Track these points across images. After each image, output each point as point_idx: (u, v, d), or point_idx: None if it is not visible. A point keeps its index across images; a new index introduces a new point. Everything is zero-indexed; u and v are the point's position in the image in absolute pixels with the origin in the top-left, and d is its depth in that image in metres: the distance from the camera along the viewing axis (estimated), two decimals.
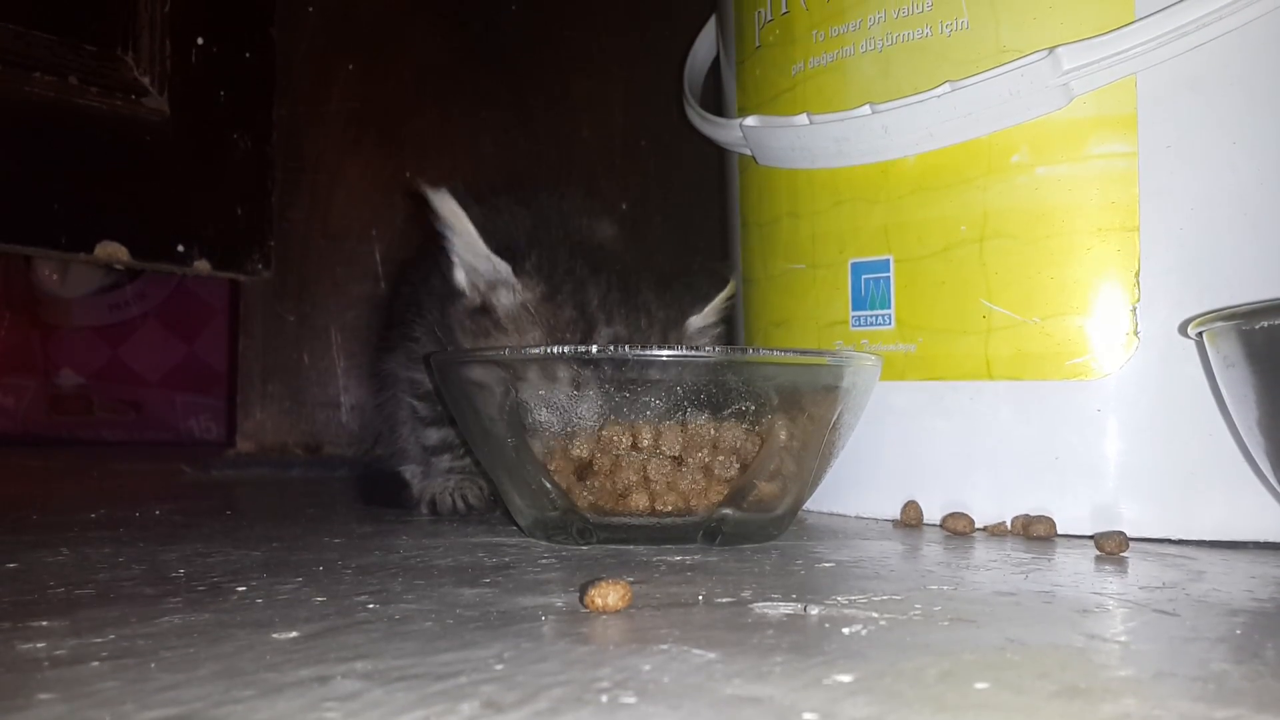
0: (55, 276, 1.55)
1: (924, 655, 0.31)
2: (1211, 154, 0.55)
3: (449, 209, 0.57)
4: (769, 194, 0.71)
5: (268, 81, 1.05)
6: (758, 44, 0.71)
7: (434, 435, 0.69)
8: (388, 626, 0.34)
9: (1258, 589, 0.43)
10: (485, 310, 0.59)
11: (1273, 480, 0.48)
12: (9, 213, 0.89)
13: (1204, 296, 0.55)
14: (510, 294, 0.58)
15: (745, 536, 0.54)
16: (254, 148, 1.04)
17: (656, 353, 0.50)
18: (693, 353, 0.50)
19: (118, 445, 1.49)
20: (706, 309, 0.61)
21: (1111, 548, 0.52)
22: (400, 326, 0.70)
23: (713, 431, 0.52)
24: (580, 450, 0.52)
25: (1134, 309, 0.57)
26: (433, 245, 0.68)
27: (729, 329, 0.77)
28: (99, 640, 0.32)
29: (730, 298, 0.63)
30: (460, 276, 0.59)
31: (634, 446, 0.51)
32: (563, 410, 0.51)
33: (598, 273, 0.59)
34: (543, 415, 0.51)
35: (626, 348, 0.51)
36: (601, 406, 0.51)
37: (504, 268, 0.58)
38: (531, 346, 0.55)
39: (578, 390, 0.51)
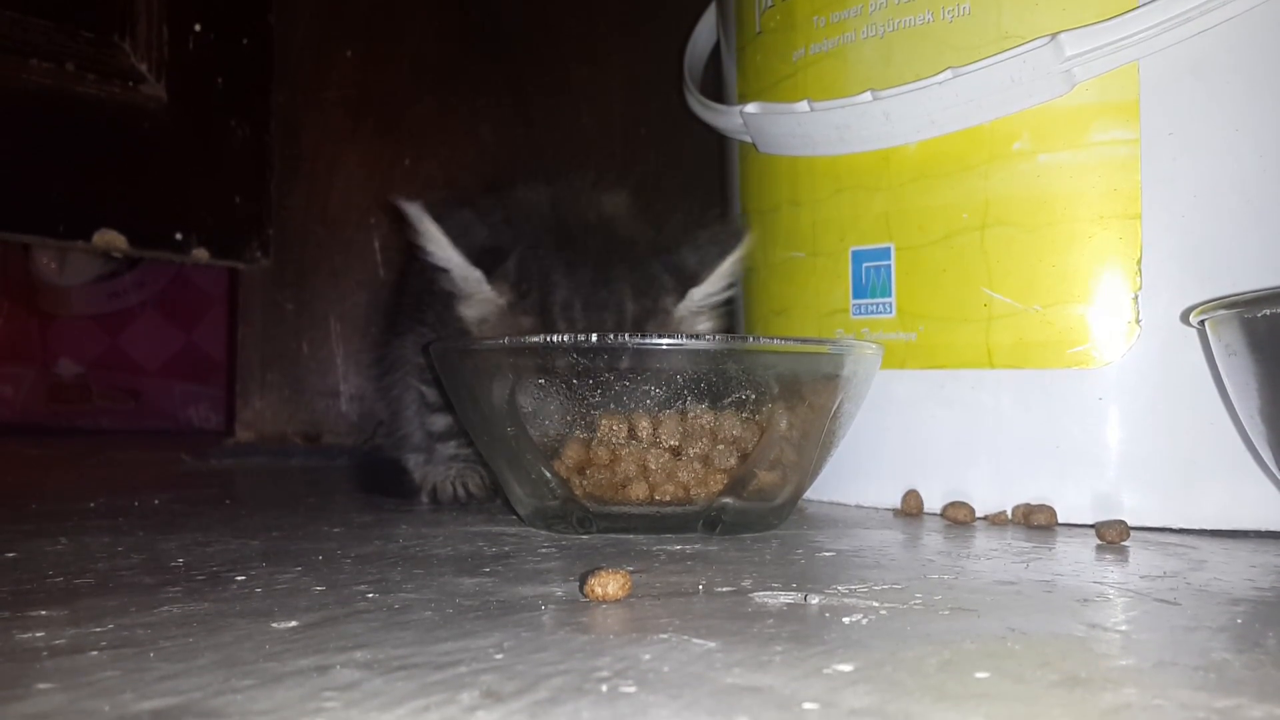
0: (53, 265, 1.55)
1: (924, 644, 0.31)
2: (1213, 141, 0.55)
3: (421, 220, 0.58)
4: (769, 181, 0.71)
5: (265, 69, 1.05)
6: (758, 30, 0.71)
7: (440, 421, 0.68)
8: (387, 616, 0.34)
9: (1259, 578, 0.43)
10: (463, 316, 0.61)
11: (1274, 469, 0.48)
12: (7, 201, 0.89)
13: (1206, 284, 0.55)
14: (485, 305, 0.59)
15: (745, 525, 0.54)
16: (252, 135, 1.04)
17: (656, 341, 0.50)
18: (692, 341, 0.50)
19: (116, 434, 1.49)
20: (711, 276, 0.60)
21: (1112, 537, 0.52)
22: (411, 310, 0.70)
23: (712, 421, 0.52)
24: (578, 444, 0.52)
25: (1135, 297, 0.57)
26: None
27: (731, 316, 0.77)
28: (98, 630, 0.32)
29: (743, 258, 0.62)
30: (455, 275, 0.60)
31: (632, 436, 0.51)
32: (560, 401, 0.51)
33: (574, 269, 0.58)
34: (541, 406, 0.51)
35: (626, 336, 0.50)
36: (599, 397, 0.51)
37: (476, 275, 0.59)
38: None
39: (553, 382, 0.50)
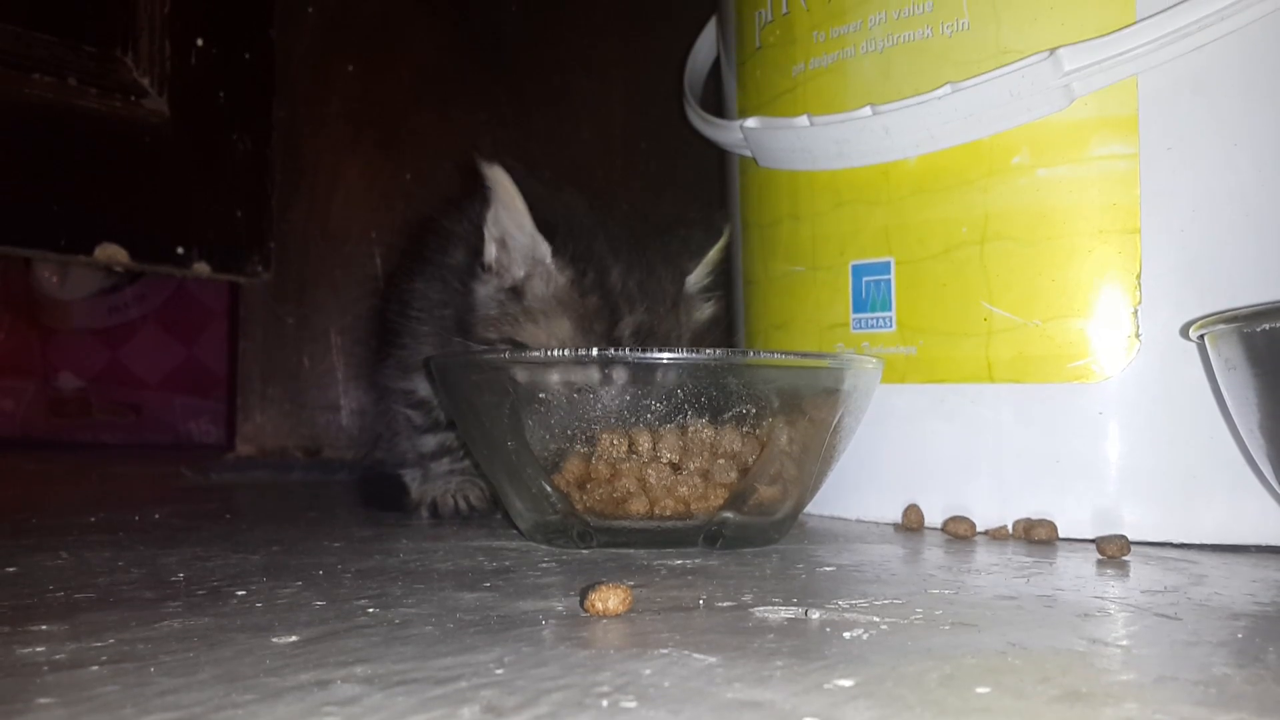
0: (54, 279, 1.55)
1: (925, 659, 0.31)
2: (1212, 155, 0.55)
3: (502, 183, 0.57)
4: (769, 196, 0.71)
5: (267, 83, 1.05)
6: (758, 45, 0.71)
7: (430, 441, 0.68)
8: (388, 631, 0.34)
9: (1259, 593, 0.43)
10: (516, 294, 0.59)
11: (1274, 483, 0.48)
12: (8, 215, 0.89)
13: (1205, 299, 0.55)
14: (544, 282, 0.58)
15: (746, 540, 0.54)
16: (253, 149, 1.04)
17: (657, 356, 0.50)
18: (696, 355, 0.50)
19: (117, 448, 1.49)
20: (700, 266, 0.63)
21: (1113, 551, 0.52)
22: (391, 335, 0.70)
23: (712, 436, 0.52)
24: (578, 459, 0.52)
25: (1135, 311, 0.57)
26: (420, 249, 0.68)
27: (730, 330, 0.77)
28: (98, 644, 0.32)
29: (725, 248, 0.65)
30: (491, 253, 0.60)
31: (632, 451, 0.51)
32: (562, 415, 0.51)
33: (618, 253, 0.60)
34: (542, 421, 0.51)
35: (627, 350, 0.50)
36: (600, 412, 0.51)
37: (545, 248, 0.58)
38: (553, 343, 0.56)
39: (583, 391, 0.51)
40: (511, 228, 0.58)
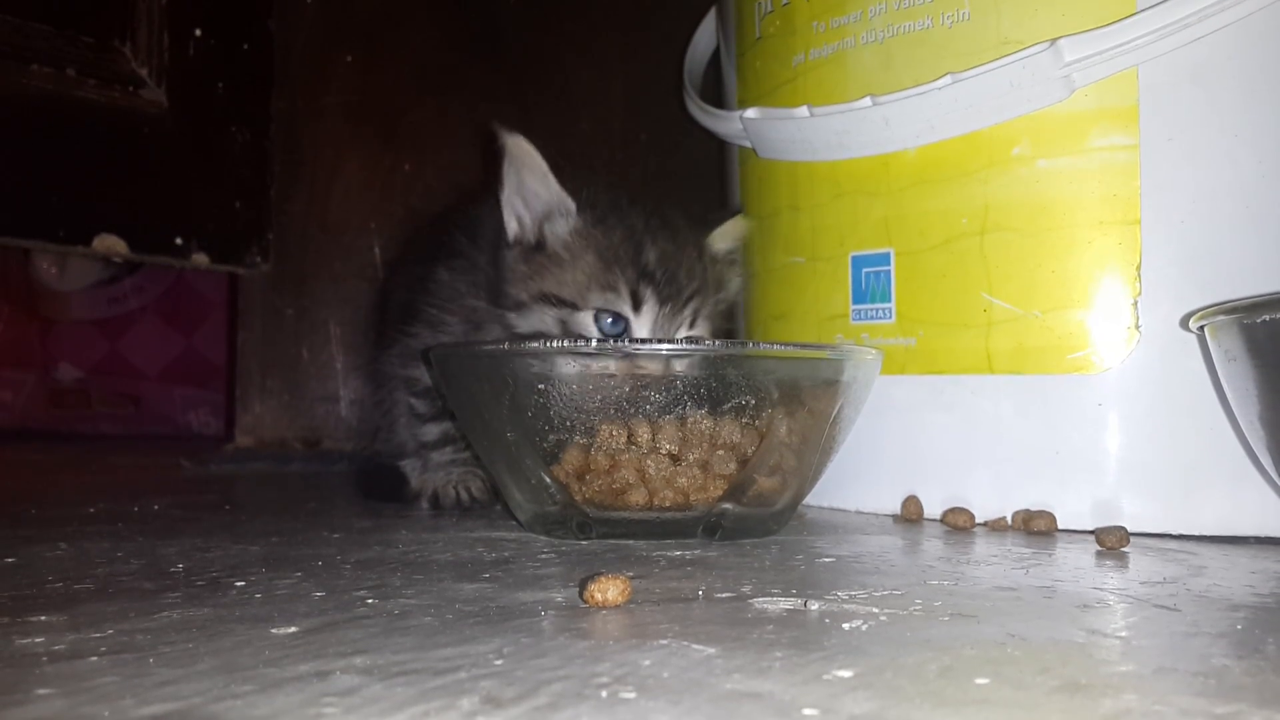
0: (53, 270, 1.55)
1: (924, 650, 0.31)
2: (1213, 147, 0.55)
3: (523, 147, 0.60)
4: (769, 186, 0.71)
5: (266, 74, 1.05)
6: (758, 35, 0.71)
7: (433, 431, 0.68)
8: (387, 621, 0.34)
9: (1259, 584, 0.43)
10: (539, 247, 0.61)
11: (1274, 475, 0.48)
12: (7, 205, 0.89)
13: (1205, 290, 0.55)
14: (565, 221, 0.61)
15: (745, 531, 0.54)
16: (252, 140, 1.04)
17: (656, 347, 0.50)
18: (693, 346, 0.50)
19: (116, 439, 1.49)
20: (720, 229, 0.66)
21: (1112, 543, 0.52)
22: (396, 322, 0.70)
23: (711, 427, 0.52)
24: (578, 450, 0.52)
25: (1135, 303, 0.57)
26: (424, 241, 0.68)
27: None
28: (98, 635, 0.32)
29: (738, 224, 0.68)
30: (513, 224, 0.62)
31: (631, 442, 0.51)
32: (561, 406, 0.51)
33: (635, 204, 0.63)
34: (541, 412, 0.51)
35: (627, 341, 0.50)
36: (600, 403, 0.51)
37: (570, 202, 0.61)
38: (580, 279, 0.59)
39: (552, 384, 0.51)
40: (536, 186, 0.61)
